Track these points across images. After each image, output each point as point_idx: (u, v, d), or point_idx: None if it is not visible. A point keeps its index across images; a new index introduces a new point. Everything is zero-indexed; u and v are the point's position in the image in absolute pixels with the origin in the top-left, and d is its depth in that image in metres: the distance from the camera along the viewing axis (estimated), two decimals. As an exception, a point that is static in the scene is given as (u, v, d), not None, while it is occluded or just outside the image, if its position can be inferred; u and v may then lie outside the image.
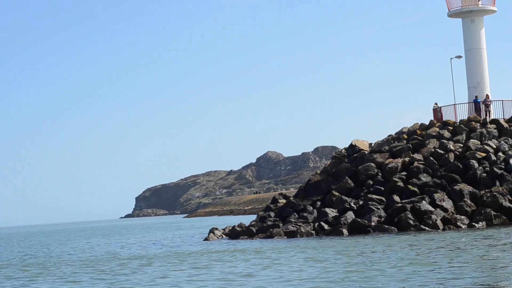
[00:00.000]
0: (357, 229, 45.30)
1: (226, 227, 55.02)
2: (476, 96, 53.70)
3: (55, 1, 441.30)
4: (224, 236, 51.86)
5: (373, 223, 45.40)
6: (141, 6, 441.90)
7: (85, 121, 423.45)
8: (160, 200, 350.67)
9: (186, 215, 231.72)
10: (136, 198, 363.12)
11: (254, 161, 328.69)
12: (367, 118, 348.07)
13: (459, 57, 56.00)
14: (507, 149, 48.92)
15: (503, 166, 47.52)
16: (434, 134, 51.37)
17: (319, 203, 49.90)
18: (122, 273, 31.55)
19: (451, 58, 56.97)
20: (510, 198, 45.51)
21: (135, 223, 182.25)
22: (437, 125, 52.43)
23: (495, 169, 47.19)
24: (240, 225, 53.01)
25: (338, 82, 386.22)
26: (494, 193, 45.26)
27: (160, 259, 37.33)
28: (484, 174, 47.19)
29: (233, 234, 51.24)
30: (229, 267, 30.51)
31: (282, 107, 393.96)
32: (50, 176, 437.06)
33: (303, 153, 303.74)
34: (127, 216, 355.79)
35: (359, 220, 45.74)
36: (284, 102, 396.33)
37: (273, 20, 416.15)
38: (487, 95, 53.81)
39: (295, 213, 50.00)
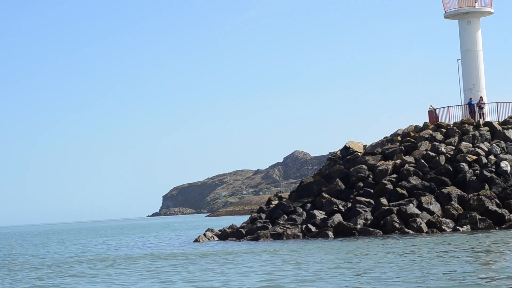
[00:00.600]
0: (342, 232, 44.96)
1: (223, 228, 54.85)
2: (471, 98, 53.09)
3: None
4: (215, 238, 51.74)
5: (358, 226, 45.05)
6: (166, 10, 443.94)
7: (114, 119, 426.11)
8: (187, 199, 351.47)
9: (208, 214, 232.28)
10: (164, 197, 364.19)
11: (281, 160, 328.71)
12: (393, 118, 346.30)
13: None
14: (499, 152, 48.31)
15: (493, 169, 46.90)
16: (427, 136, 50.89)
17: (309, 205, 49.64)
18: (71, 274, 31.45)
19: (458, 60, 55.95)
20: (498, 202, 44.87)
21: (154, 222, 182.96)
22: (430, 127, 51.93)
23: (484, 172, 46.59)
24: (231, 227, 52.86)
25: (366, 83, 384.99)
26: (481, 197, 44.69)
27: (126, 261, 37.16)
28: (474, 177, 46.58)
29: (223, 235, 51.28)
30: (172, 274, 29.63)
31: (310, 106, 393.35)
32: (80, 174, 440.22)
33: (330, 153, 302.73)
34: (154, 214, 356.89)
35: (345, 223, 45.42)
36: (312, 101, 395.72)
37: (301, 22, 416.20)
38: (481, 97, 53.13)
39: (284, 215, 49.80)
